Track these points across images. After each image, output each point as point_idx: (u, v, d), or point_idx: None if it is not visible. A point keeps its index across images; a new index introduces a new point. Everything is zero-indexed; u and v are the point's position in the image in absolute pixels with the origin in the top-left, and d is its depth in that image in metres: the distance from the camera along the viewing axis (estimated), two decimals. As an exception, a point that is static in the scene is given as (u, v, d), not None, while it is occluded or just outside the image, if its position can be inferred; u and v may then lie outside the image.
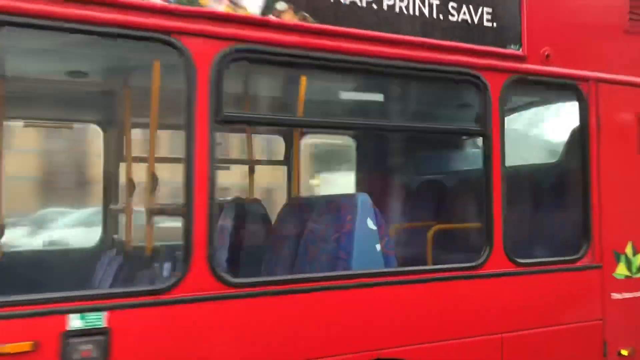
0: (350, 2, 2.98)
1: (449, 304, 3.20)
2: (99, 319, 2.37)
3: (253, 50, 2.77)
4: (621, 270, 3.77)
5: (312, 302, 2.83)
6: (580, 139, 3.72)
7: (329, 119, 3.90)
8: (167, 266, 2.90)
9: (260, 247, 3.78)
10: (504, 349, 3.34)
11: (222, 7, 2.69)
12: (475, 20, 3.35)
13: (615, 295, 3.74)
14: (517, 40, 3.48)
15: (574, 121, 3.78)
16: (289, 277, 3.05)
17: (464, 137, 4.96)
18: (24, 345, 2.24)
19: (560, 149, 4.22)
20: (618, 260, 3.75)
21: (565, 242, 3.80)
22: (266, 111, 4.44)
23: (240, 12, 2.72)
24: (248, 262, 3.71)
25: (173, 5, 2.58)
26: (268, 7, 2.78)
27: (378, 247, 3.14)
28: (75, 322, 2.34)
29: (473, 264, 3.28)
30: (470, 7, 3.33)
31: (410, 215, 4.60)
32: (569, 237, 3.80)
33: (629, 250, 3.80)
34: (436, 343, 3.14)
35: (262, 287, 2.75)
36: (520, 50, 3.48)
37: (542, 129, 5.91)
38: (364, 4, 3.02)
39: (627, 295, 3.79)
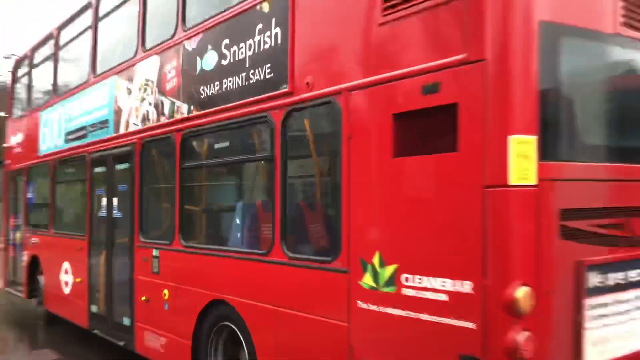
0: (210, 93, 5.21)
1: (251, 275, 4.71)
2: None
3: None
4: (367, 280, 3.66)
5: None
6: (336, 149, 3.94)
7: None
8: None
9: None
10: (278, 319, 4.41)
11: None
12: (262, 77, 4.60)
13: (361, 304, 3.71)
14: (285, 80, 4.36)
15: (334, 134, 3.96)
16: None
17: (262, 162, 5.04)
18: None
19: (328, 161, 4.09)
20: (365, 269, 3.68)
21: (329, 244, 3.98)
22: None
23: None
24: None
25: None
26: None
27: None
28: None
29: (262, 252, 4.59)
30: (259, 68, 4.63)
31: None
32: (331, 241, 3.98)
33: (376, 260, 3.61)
34: (245, 300, 4.76)
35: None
36: (287, 87, 4.34)
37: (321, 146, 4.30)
38: (215, 92, 5.15)
39: (372, 307, 3.63)
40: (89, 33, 7.95)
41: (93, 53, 7.83)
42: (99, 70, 7.62)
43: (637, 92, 3.80)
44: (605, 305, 3.34)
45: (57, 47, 9.19)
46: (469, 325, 3.07)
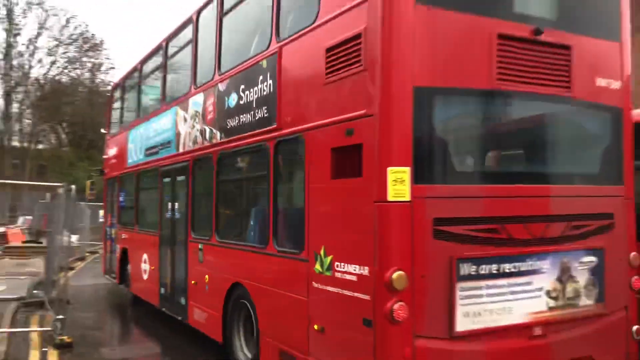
0: (233, 125, 6.85)
1: (255, 264, 6.30)
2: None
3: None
4: (317, 267, 5.12)
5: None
6: (303, 172, 5.43)
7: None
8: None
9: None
10: (269, 295, 5.96)
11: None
12: (262, 115, 6.18)
13: (314, 284, 5.17)
14: (275, 119, 5.91)
15: (302, 160, 5.44)
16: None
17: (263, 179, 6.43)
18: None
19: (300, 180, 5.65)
20: (316, 259, 5.14)
21: (298, 241, 5.47)
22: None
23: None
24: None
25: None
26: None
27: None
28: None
29: (262, 246, 6.16)
30: (260, 108, 6.20)
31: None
32: (299, 238, 5.46)
33: (322, 252, 5.05)
34: (251, 282, 6.36)
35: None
36: (276, 124, 5.88)
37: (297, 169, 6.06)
38: (236, 124, 6.78)
39: (320, 286, 5.08)
40: (161, 69, 9.92)
41: (163, 85, 9.79)
42: (167, 100, 9.54)
43: (504, 132, 4.98)
44: (478, 288, 4.57)
45: (140, 78, 11.31)
46: (367, 297, 4.46)
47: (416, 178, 4.38)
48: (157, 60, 10.27)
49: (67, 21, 39.03)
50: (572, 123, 5.44)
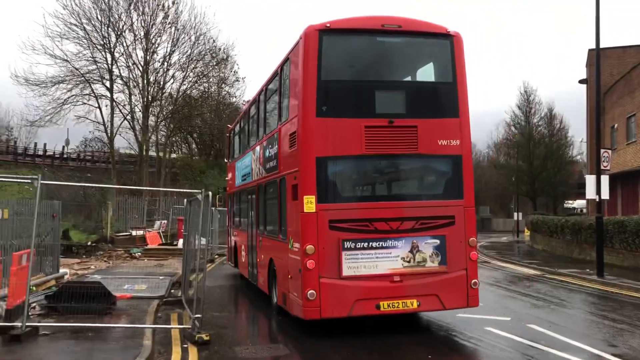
0: (267, 167, 11.96)
1: (275, 245, 11.36)
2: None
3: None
4: (289, 245, 9.97)
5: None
6: (285, 196, 10.35)
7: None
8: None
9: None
10: (281, 259, 10.97)
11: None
12: (274, 163, 11.20)
13: (289, 255, 10.05)
14: (278, 167, 10.92)
15: (283, 190, 10.32)
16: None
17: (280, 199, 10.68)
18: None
19: (288, 200, 10.35)
20: (289, 241, 10.00)
21: (285, 233, 10.33)
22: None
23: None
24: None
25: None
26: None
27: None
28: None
29: (279, 237, 11.20)
30: (274, 159, 11.21)
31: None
32: (285, 231, 10.31)
33: (290, 237, 9.94)
34: (275, 257, 11.40)
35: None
36: (279, 170, 10.89)
37: (289, 194, 10.76)
38: (268, 166, 11.87)
39: (291, 256, 9.95)
40: (245, 126, 15.44)
41: (247, 136, 15.25)
42: (249, 146, 14.95)
43: (370, 174, 9.72)
44: (355, 254, 9.17)
45: (239, 128, 16.95)
46: (299, 258, 9.28)
47: (318, 200, 9.14)
48: (243, 120, 15.93)
49: (197, 38, 41.10)
50: (419, 167, 10.05)
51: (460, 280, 9.63)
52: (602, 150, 18.43)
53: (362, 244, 9.25)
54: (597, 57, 18.27)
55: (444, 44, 9.94)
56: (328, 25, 9.39)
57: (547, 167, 56.75)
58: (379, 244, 9.31)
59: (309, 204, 9.13)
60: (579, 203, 58.43)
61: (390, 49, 10.24)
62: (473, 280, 9.66)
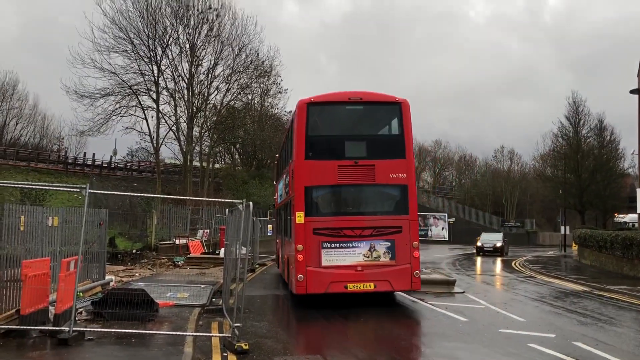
0: (284, 193, 15.03)
1: (287, 244, 14.78)
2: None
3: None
4: (296, 245, 10.97)
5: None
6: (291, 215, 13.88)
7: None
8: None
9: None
10: (289, 253, 14.36)
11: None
12: (286, 191, 16.12)
13: (292, 252, 12.03)
14: (289, 193, 15.86)
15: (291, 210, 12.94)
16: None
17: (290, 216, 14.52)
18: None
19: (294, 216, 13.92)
20: (297, 242, 13.72)
21: (293, 237, 12.04)
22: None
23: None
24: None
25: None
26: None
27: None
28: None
29: (288, 238, 11.59)
30: (287, 188, 16.17)
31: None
32: (292, 235, 12.98)
33: (298, 242, 13.15)
34: (286, 254, 15.13)
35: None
36: (288, 195, 15.22)
37: (291, 214, 11.58)
38: (283, 194, 15.90)
39: (293, 252, 12.14)
40: (281, 158, 20.07)
41: (281, 167, 19.57)
42: (282, 174, 19.07)
43: (341, 198, 14.37)
44: (331, 252, 13.70)
45: (278, 160, 21.61)
46: (294, 254, 13.92)
47: (306, 215, 13.78)
48: (279, 155, 21.22)
49: (240, 51, 41.17)
50: (376, 192, 14.38)
51: (405, 271, 13.81)
52: (653, 163, 17.89)
53: (335, 244, 13.71)
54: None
55: (394, 108, 14.41)
56: (312, 99, 14.12)
57: (597, 180, 55.46)
58: (347, 245, 13.73)
59: (299, 217, 13.70)
60: (630, 217, 56.37)
61: (355, 113, 14.87)
62: (415, 271, 13.84)
